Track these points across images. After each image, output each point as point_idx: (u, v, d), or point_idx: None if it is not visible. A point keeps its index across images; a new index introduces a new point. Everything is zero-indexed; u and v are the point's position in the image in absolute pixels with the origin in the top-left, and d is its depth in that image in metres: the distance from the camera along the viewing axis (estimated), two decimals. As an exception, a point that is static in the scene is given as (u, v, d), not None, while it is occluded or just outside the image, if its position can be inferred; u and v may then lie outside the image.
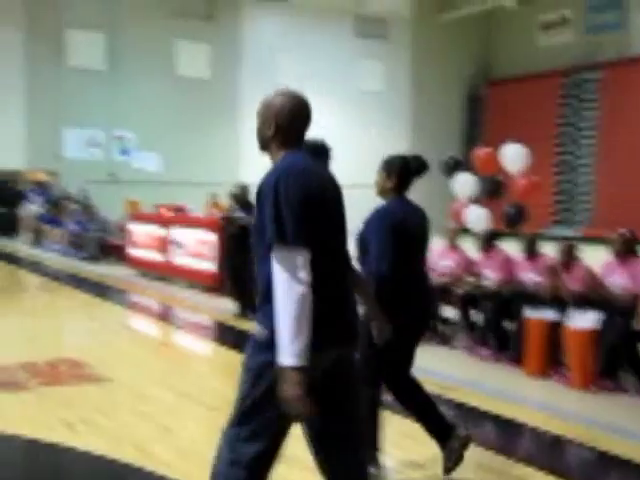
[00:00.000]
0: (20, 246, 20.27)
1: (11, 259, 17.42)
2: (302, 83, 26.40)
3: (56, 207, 20.46)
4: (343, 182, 2.90)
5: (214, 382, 6.46)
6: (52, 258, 17.11)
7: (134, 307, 11.35)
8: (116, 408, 5.38)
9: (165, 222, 13.20)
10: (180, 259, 12.30)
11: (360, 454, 2.87)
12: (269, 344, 2.57)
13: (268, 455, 2.68)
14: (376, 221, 4.08)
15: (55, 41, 23.12)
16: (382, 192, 4.21)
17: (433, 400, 4.27)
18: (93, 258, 15.88)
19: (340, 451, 2.79)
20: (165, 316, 10.52)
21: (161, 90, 24.35)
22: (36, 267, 15.82)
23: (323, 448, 2.80)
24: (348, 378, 2.81)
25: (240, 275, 9.15)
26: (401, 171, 4.15)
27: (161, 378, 6.38)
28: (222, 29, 25.57)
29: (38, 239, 19.91)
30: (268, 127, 2.80)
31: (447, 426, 4.18)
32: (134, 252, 13.88)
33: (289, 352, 2.48)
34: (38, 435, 4.70)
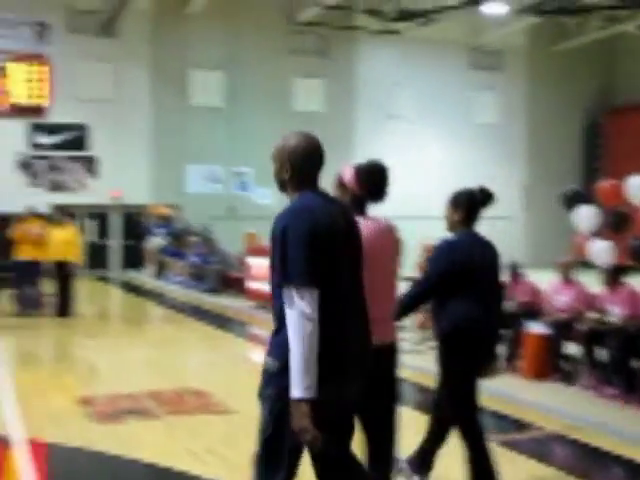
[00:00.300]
0: (145, 278, 21.14)
1: (137, 291, 18.21)
2: (416, 116, 26.62)
3: (178, 240, 21.25)
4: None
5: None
6: (175, 290, 17.75)
7: (254, 339, 11.60)
8: (239, 439, 5.52)
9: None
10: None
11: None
12: (279, 374, 2.77)
13: (291, 477, 2.88)
14: (438, 251, 4.27)
15: (179, 81, 24.21)
16: (451, 226, 4.32)
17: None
18: (214, 290, 16.36)
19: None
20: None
21: (277, 125, 24.91)
22: (160, 299, 16.47)
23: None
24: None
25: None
26: (468, 204, 4.26)
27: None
28: (337, 64, 26.05)
29: (161, 271, 20.71)
30: (285, 170, 2.99)
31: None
32: (252, 285, 14.22)
33: (299, 386, 2.67)
34: (166, 463, 4.88)
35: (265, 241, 17.91)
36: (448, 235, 4.31)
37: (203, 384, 7.40)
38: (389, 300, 3.60)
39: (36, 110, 22.94)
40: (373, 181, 3.64)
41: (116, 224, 23.99)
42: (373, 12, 23.83)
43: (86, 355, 9.53)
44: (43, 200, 20.31)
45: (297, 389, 2.68)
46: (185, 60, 24.03)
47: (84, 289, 18.42)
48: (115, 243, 23.96)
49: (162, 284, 19.19)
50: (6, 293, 13.44)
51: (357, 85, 26.31)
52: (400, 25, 24.78)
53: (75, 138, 23.34)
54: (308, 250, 2.77)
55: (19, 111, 22.69)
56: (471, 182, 4.37)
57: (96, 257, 23.08)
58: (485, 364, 4.22)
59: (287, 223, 2.84)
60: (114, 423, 5.89)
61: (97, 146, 23.41)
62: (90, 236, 23.24)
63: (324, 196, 3.02)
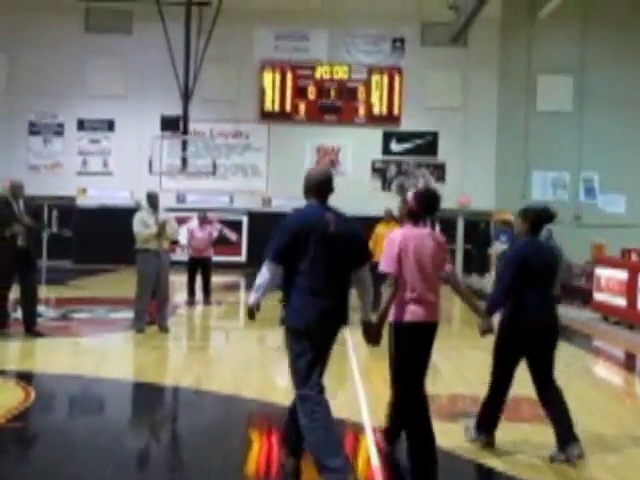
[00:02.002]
0: (487, 283, 21.34)
1: (479, 295, 18.47)
2: None
3: (521, 247, 21.08)
4: None
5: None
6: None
7: (598, 353, 11.20)
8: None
9: (631, 267, 12.78)
10: (647, 306, 11.80)
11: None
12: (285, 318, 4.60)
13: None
14: (508, 257, 5.62)
15: (526, 86, 24.05)
16: (518, 234, 5.63)
17: None
18: (557, 300, 16.00)
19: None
20: (629, 365, 10.19)
21: (628, 130, 23.61)
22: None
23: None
24: (326, 343, 4.67)
25: None
26: (533, 218, 5.47)
27: (627, 430, 6.24)
28: None
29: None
30: (304, 189, 4.71)
31: None
32: (600, 296, 13.69)
33: (250, 300, 4.69)
34: (498, 467, 5.01)
35: (613, 251, 17.08)
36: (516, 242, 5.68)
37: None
38: (434, 288, 5.00)
39: (390, 119, 24.43)
40: (423, 202, 5.08)
41: (460, 229, 24.60)
42: None
43: (428, 354, 9.97)
44: (394, 204, 21.56)
45: (250, 301, 4.70)
46: (533, 65, 23.83)
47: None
48: (459, 247, 24.54)
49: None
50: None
51: None
52: None
53: (424, 145, 24.39)
54: (283, 240, 4.49)
55: (376, 120, 24.36)
56: None
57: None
58: (545, 344, 5.45)
59: (284, 220, 4.62)
60: (451, 422, 6.16)
61: (444, 152, 24.22)
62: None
63: (325, 208, 4.66)
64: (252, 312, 4.69)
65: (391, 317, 4.99)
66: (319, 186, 4.67)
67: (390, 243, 5.01)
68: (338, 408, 6.36)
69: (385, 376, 7.90)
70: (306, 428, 4.39)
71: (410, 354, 5.02)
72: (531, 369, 5.43)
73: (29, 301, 9.70)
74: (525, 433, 5.95)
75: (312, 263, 4.46)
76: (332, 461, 4.23)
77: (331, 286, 4.54)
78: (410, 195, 5.12)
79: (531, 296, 5.28)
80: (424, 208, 5.08)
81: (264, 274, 4.53)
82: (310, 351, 4.49)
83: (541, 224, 5.48)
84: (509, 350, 5.39)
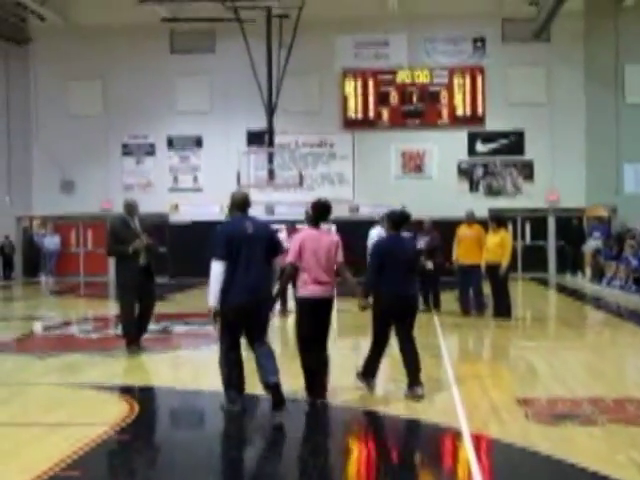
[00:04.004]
0: (581, 281, 20.81)
1: (573, 294, 18.05)
2: None
3: (615, 242, 20.52)
4: None
5: None
6: (613, 294, 17.18)
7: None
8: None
9: None
10: None
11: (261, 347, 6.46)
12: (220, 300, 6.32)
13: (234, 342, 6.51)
14: (373, 248, 7.52)
15: (613, 78, 23.36)
16: (386, 231, 7.66)
17: None
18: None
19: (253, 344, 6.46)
20: None
21: None
22: (597, 302, 16.11)
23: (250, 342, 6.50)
24: (254, 313, 6.38)
25: None
26: (390, 218, 7.40)
27: None
28: None
29: (598, 274, 20.20)
30: (230, 206, 6.64)
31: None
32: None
33: (210, 300, 6.27)
34: (604, 471, 4.86)
35: None
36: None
37: (645, 394, 7.16)
38: (328, 272, 6.85)
39: (474, 119, 24.16)
40: (317, 210, 6.99)
41: (552, 227, 24.08)
42: None
43: (524, 356, 9.82)
44: (481, 205, 21.30)
45: (210, 302, 6.28)
46: (620, 56, 23.12)
47: (521, 291, 18.85)
48: (551, 246, 24.02)
49: (599, 288, 18.72)
50: (452, 294, 14.52)
51: None
52: None
53: (511, 144, 24.02)
54: (221, 242, 6.25)
55: (460, 121, 24.15)
56: None
57: (532, 260, 23.43)
58: (403, 310, 7.15)
59: (218, 229, 6.44)
60: (551, 425, 6.04)
61: (532, 150, 23.77)
62: (526, 239, 23.72)
63: (246, 218, 6.51)
64: (215, 315, 6.30)
65: (297, 294, 6.87)
66: (240, 204, 6.57)
67: (294, 241, 6.87)
68: (435, 413, 6.37)
69: (481, 381, 7.88)
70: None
71: (307, 321, 6.80)
72: (395, 328, 7.17)
73: (144, 317, 9.93)
74: (633, 435, 5.79)
75: (238, 256, 6.23)
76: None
77: (252, 271, 6.28)
78: (309, 206, 7.07)
79: (393, 276, 7.02)
80: (318, 214, 6.99)
81: (214, 273, 6.23)
82: (235, 319, 6.32)
83: (398, 222, 7.33)
84: (382, 316, 7.11)
